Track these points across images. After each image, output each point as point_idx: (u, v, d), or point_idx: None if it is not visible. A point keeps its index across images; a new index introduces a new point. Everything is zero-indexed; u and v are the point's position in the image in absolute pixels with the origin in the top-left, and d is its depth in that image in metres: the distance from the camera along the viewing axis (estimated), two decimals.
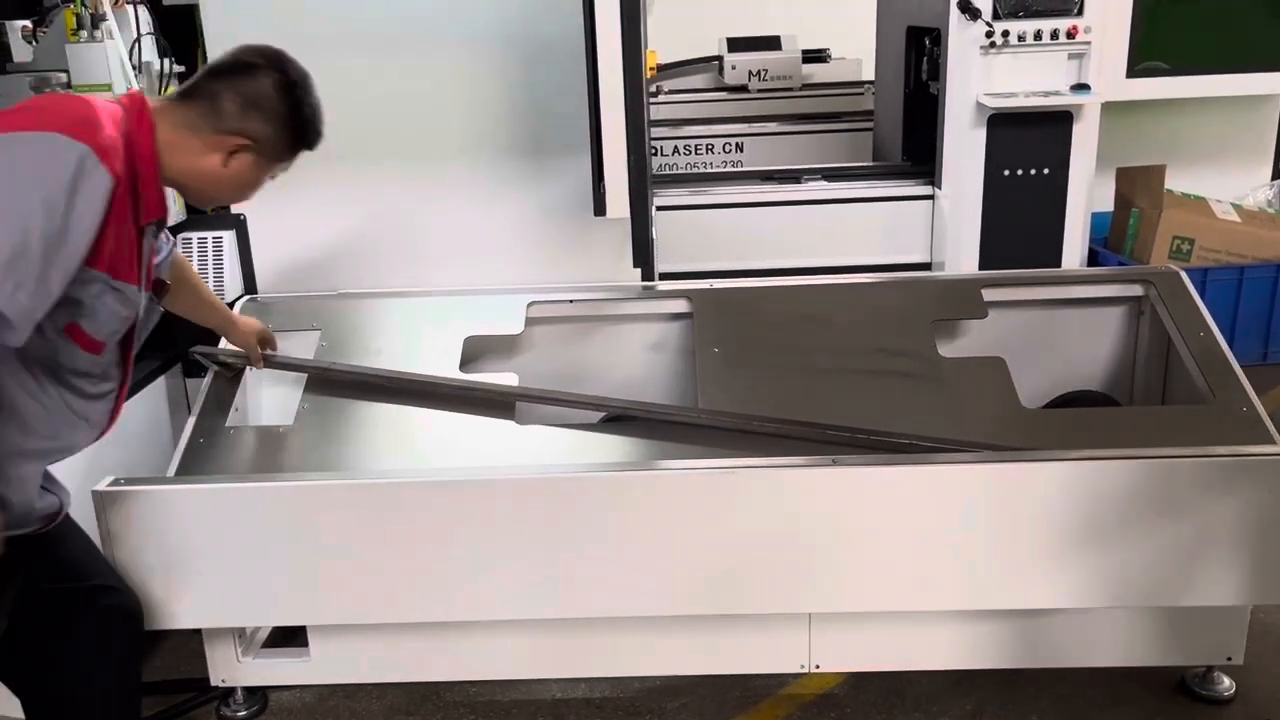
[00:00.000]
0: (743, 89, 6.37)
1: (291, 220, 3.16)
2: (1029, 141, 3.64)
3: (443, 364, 2.81)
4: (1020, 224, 3.73)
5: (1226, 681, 2.69)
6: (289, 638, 2.86)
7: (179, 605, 2.47)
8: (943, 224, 3.81)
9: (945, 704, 2.73)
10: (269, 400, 2.90)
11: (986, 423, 2.56)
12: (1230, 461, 2.34)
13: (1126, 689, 2.74)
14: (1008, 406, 2.61)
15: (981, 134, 3.60)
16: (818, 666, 2.74)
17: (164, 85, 2.76)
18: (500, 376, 2.79)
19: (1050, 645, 2.68)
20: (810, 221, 3.92)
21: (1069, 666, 2.73)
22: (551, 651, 2.75)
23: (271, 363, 2.77)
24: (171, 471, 2.58)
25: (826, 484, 2.41)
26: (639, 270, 3.06)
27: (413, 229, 3.16)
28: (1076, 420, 2.72)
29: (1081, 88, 3.60)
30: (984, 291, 2.93)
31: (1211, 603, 2.44)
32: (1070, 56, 3.61)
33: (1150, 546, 2.39)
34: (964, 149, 3.63)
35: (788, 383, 2.75)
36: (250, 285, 3.16)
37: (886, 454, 2.44)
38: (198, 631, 2.80)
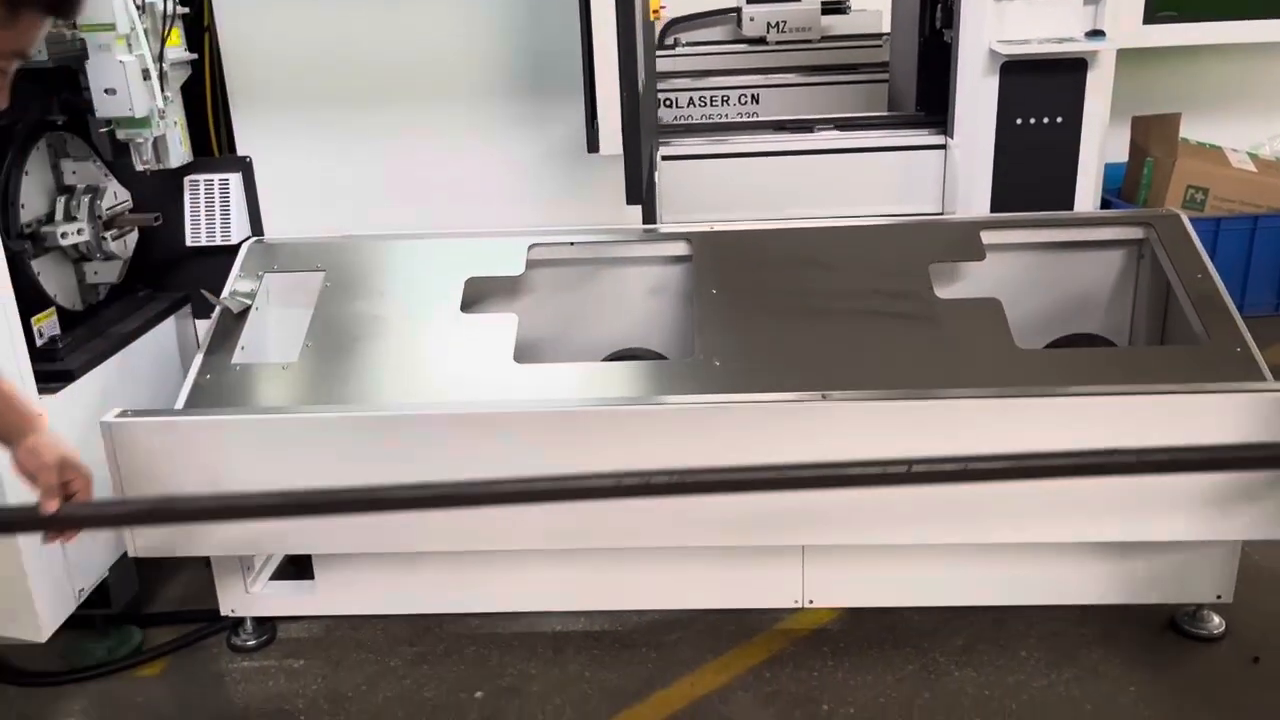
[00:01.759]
0: (761, 41, 6.32)
1: (296, 164, 3.20)
2: (1042, 90, 3.60)
3: (444, 305, 2.85)
4: (1032, 174, 3.70)
5: (1216, 620, 2.71)
6: (296, 571, 2.95)
7: (186, 534, 2.55)
8: (954, 174, 3.79)
9: (937, 640, 2.77)
10: (274, 339, 2.96)
11: (981, 362, 2.58)
12: (1222, 398, 2.35)
13: (1116, 627, 2.77)
14: (1003, 347, 2.62)
15: (994, 82, 3.57)
16: (811, 602, 2.79)
17: (167, 26, 2.79)
18: (501, 317, 2.83)
19: (1041, 583, 2.72)
20: (822, 171, 3.91)
21: (1059, 604, 2.76)
22: (551, 585, 2.82)
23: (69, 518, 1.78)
24: (179, 405, 2.65)
25: (819, 419, 2.44)
26: (640, 214, 3.09)
27: (416, 172, 3.20)
28: (1070, 359, 2.73)
29: (1097, 34, 3.55)
30: (983, 235, 2.93)
31: (1201, 538, 2.45)
32: (1085, 2, 3.55)
33: (1142, 483, 2.40)
34: (977, 98, 3.60)
35: (785, 324, 2.77)
36: (256, 228, 3.21)
37: (878, 389, 2.46)
38: (208, 565, 2.89)
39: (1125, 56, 3.67)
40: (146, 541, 2.57)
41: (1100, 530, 2.47)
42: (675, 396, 2.53)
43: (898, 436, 2.43)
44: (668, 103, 5.63)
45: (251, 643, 2.88)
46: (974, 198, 3.69)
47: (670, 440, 2.48)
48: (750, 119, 5.45)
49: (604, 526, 2.53)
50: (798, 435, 2.46)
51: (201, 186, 3.12)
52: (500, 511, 2.53)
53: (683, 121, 5.56)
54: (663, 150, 3.60)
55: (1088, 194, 3.71)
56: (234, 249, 3.07)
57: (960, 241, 2.94)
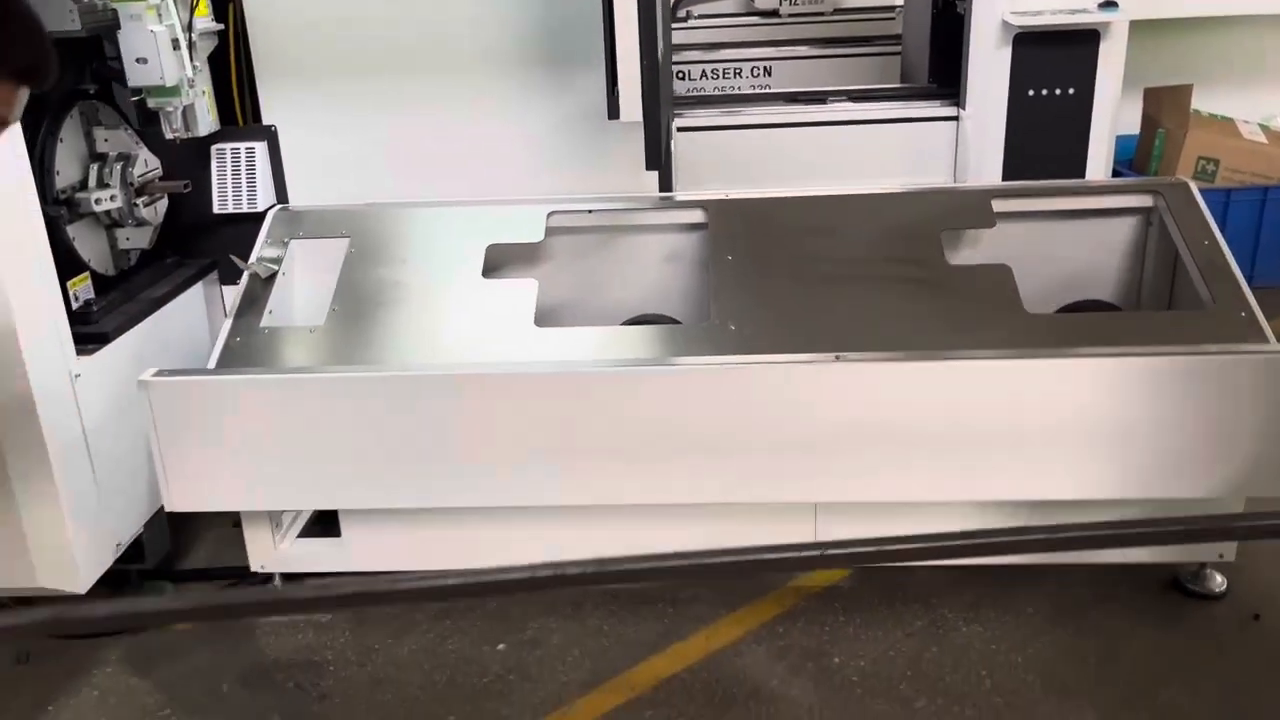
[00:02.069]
0: (773, 13, 6.33)
1: (319, 133, 3.27)
2: (1054, 61, 3.63)
3: (466, 270, 2.92)
4: (1044, 145, 3.73)
5: (1219, 579, 2.78)
6: (323, 529, 3.04)
7: (219, 489, 2.65)
8: (966, 145, 3.83)
9: (945, 597, 2.85)
10: (300, 303, 3.04)
11: (990, 326, 2.64)
12: (1226, 359, 2.41)
13: (1120, 586, 2.85)
14: (1012, 311, 2.68)
15: (1007, 53, 3.60)
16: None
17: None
18: (521, 282, 2.90)
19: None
20: (835, 143, 3.95)
21: (1064, 563, 2.83)
22: (572, 544, 2.89)
23: None
24: (211, 366, 2.73)
25: (833, 379, 2.51)
26: (657, 183, 3.15)
27: (437, 141, 3.26)
28: (1077, 323, 2.79)
29: (1109, 5, 3.58)
30: (994, 203, 2.98)
31: (1205, 495, 2.52)
32: None
33: (1146, 442, 2.47)
34: (989, 69, 3.63)
35: (800, 289, 2.83)
36: (281, 196, 3.28)
37: (890, 351, 2.52)
38: (238, 524, 2.98)
39: (1138, 28, 3.70)
40: (181, 496, 2.66)
41: (1102, 488, 2.54)
42: (692, 358, 2.60)
43: (909, 397, 2.51)
44: (680, 75, 5.66)
45: None
46: (985, 169, 3.73)
47: (687, 401, 2.56)
48: (763, 91, 5.50)
49: (623, 483, 2.61)
50: (812, 395, 2.53)
51: (228, 155, 3.19)
52: (522, 469, 2.63)
53: (695, 94, 5.60)
54: (677, 121, 3.65)
55: (1099, 165, 3.75)
56: (259, 216, 3.14)
57: (971, 209, 3.00)
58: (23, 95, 1.53)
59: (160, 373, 2.56)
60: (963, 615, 2.79)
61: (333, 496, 2.73)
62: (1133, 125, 4.60)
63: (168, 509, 2.70)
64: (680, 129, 3.66)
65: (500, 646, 2.77)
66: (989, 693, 2.52)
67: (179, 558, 3.17)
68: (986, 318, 2.67)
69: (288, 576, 2.99)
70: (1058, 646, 2.67)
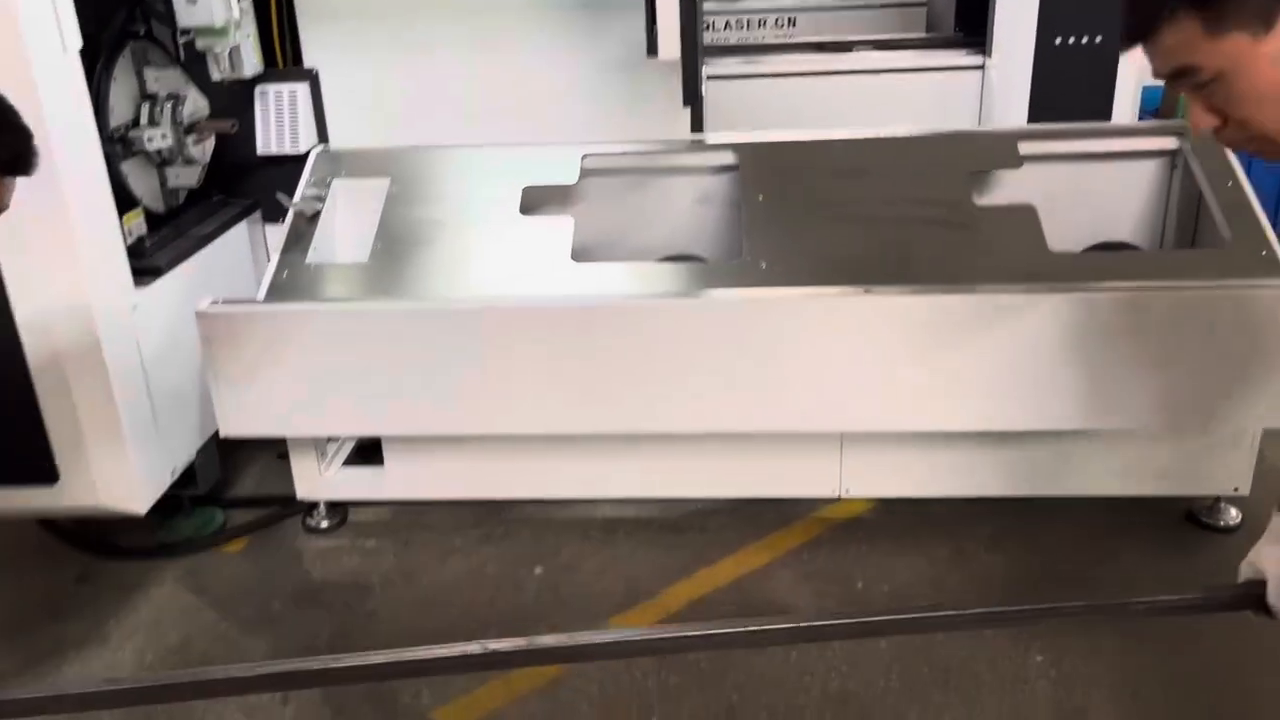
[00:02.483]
0: None
1: (359, 76, 3.34)
2: (1083, 7, 3.64)
3: (504, 210, 3.00)
4: (1070, 94, 3.75)
5: (1233, 512, 2.87)
6: (366, 460, 3.16)
7: (268, 415, 2.77)
8: (991, 94, 3.86)
9: (965, 529, 2.96)
10: (343, 240, 3.13)
11: (1015, 263, 2.71)
12: (1245, 294, 2.48)
13: (1136, 518, 2.94)
14: (1036, 250, 2.75)
15: (1034, 1, 3.62)
16: (848, 492, 2.97)
17: None
18: (558, 219, 2.98)
19: (1065, 475, 2.88)
20: (860, 92, 3.98)
21: (1082, 495, 2.92)
22: (605, 474, 3.02)
23: None
24: (260, 299, 2.84)
25: (862, 312, 2.60)
26: (689, 127, 3.22)
27: (475, 83, 3.32)
28: (1099, 261, 2.86)
29: None
30: (1021, 145, 3.04)
31: (1221, 427, 2.60)
32: None
33: (1167, 375, 2.55)
34: (1016, 15, 3.65)
35: (829, 229, 2.90)
36: (323, 137, 3.36)
37: (917, 284, 2.60)
38: (283, 455, 3.11)
39: None
40: (233, 422, 2.78)
41: (1123, 420, 2.62)
42: (724, 289, 2.68)
43: (937, 330, 2.59)
44: (705, 26, 5.67)
45: (325, 525, 3.10)
46: (1011, 118, 3.76)
47: (719, 332, 2.65)
48: (789, 41, 5.51)
49: (656, 413, 2.71)
50: (841, 327, 2.62)
51: (271, 97, 3.27)
52: (557, 398, 2.73)
53: (722, 45, 5.62)
54: (705, 69, 3.69)
55: (1125, 115, 3.77)
56: (302, 157, 3.23)
57: (997, 151, 3.05)
58: (11, 184, 1.61)
59: (215, 302, 2.66)
60: (984, 545, 2.90)
61: (376, 423, 2.84)
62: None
63: (221, 434, 2.82)
64: (709, 77, 3.71)
65: (538, 570, 2.89)
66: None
67: (228, 486, 3.31)
68: (1011, 256, 2.74)
69: (332, 504, 3.12)
70: (1076, 574, 2.77)
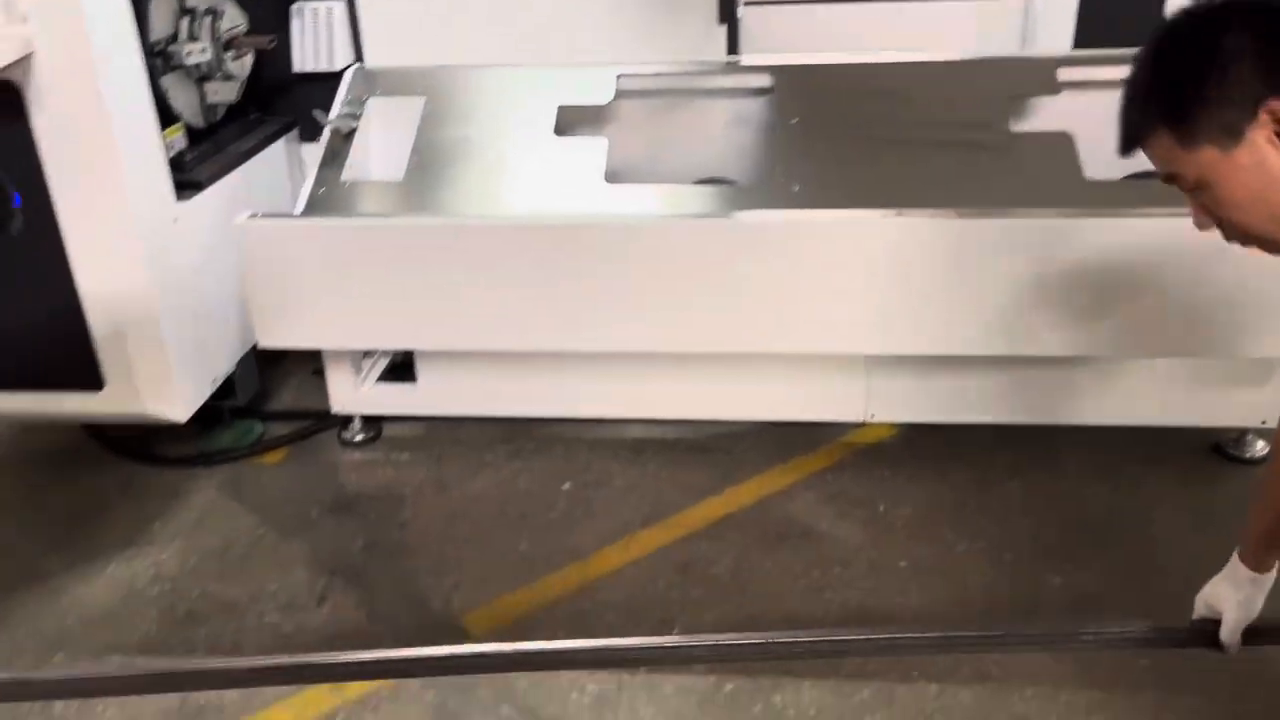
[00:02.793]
0: None
1: None
2: None
3: (538, 129, 3.01)
4: (1117, 20, 3.67)
5: (1260, 445, 2.87)
6: (400, 377, 3.22)
7: (305, 327, 2.83)
8: (1036, 19, 3.78)
9: (989, 456, 2.98)
10: (379, 158, 3.15)
11: (1049, 189, 2.69)
12: None
13: (1162, 449, 2.95)
14: (1071, 176, 2.73)
15: None
16: (873, 416, 3.00)
17: None
18: (592, 140, 2.98)
19: (1092, 404, 2.89)
20: (899, 18, 3.91)
21: (1108, 425, 2.93)
22: (634, 394, 3.06)
23: None
24: (298, 213, 2.88)
25: (894, 235, 2.61)
26: (725, 49, 3.20)
27: (510, 3, 3.30)
28: (1133, 188, 2.82)
29: None
30: (1060, 72, 2.99)
31: (1265, 352, 2.59)
32: None
33: (1197, 300, 2.54)
34: None
35: (863, 153, 2.89)
36: (358, 55, 3.37)
37: (949, 208, 2.60)
38: (319, 371, 3.18)
39: None
40: (270, 333, 2.85)
41: (1162, 346, 2.62)
42: (756, 211, 2.69)
43: (967, 253, 2.59)
44: None
45: (360, 439, 3.18)
46: (1056, 44, 3.68)
47: (750, 253, 2.67)
48: None
49: (686, 333, 2.74)
50: (872, 250, 2.63)
51: (308, 14, 3.27)
52: (589, 316, 2.77)
53: None
54: None
55: None
56: (338, 75, 3.24)
57: (1036, 77, 3.01)
58: None
59: (254, 216, 2.71)
60: (1006, 471, 2.92)
61: (409, 337, 2.89)
62: None
63: (260, 345, 2.89)
64: (745, 2, 3.66)
65: (566, 485, 2.96)
66: (1028, 539, 2.66)
67: (266, 399, 3.40)
68: (1045, 182, 2.72)
69: (366, 419, 3.20)
70: (1097, 501, 2.79)
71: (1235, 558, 1.72)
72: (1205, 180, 1.35)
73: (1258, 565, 1.69)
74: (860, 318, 2.67)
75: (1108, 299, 2.57)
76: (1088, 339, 2.63)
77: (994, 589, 2.50)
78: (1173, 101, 1.33)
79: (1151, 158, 1.38)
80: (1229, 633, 1.72)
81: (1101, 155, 2.97)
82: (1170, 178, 1.39)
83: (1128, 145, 1.40)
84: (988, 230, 2.56)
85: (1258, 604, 1.71)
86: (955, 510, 2.79)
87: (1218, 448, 2.93)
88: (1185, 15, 1.34)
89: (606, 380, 3.03)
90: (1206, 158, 1.32)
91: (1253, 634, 1.73)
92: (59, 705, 2.25)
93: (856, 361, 2.92)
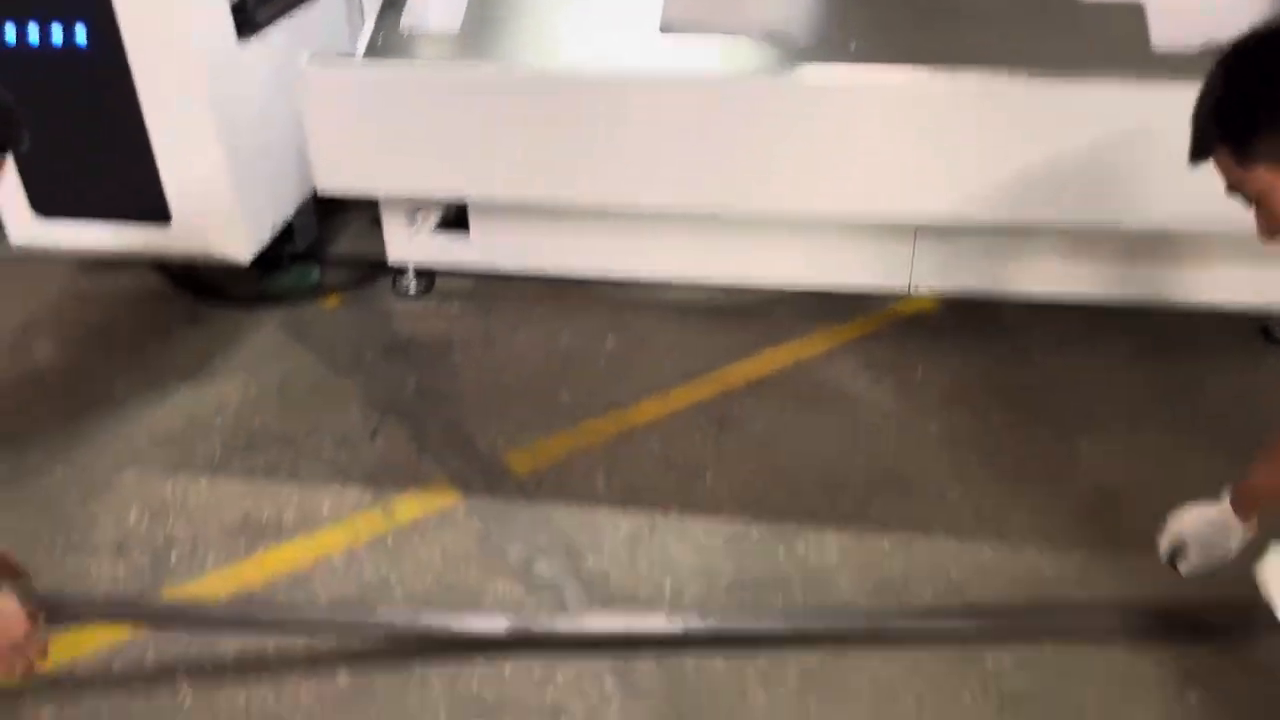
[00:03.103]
0: None
1: None
2: None
3: None
4: None
5: None
6: (452, 229, 3.30)
7: (363, 173, 2.90)
8: None
9: (1031, 331, 3.00)
10: (438, 5, 3.14)
11: (1114, 58, 2.63)
12: None
13: (1206, 329, 2.95)
14: (1139, 46, 2.66)
15: None
16: (917, 288, 3.02)
17: None
18: None
19: (1138, 281, 2.89)
20: None
21: (1154, 303, 2.93)
22: (680, 256, 3.11)
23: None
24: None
25: (950, 97, 2.58)
26: None
27: None
28: (1199, 60, 2.74)
29: None
30: None
31: None
32: None
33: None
34: None
35: (924, 17, 2.83)
36: None
37: (1008, 74, 2.56)
38: (377, 221, 3.26)
39: None
40: (329, 178, 2.92)
41: (1203, 221, 2.59)
42: (811, 68, 2.67)
43: (1026, 118, 2.56)
44: None
45: (412, 289, 3.28)
46: None
47: (804, 112, 2.66)
48: None
49: (734, 192, 2.76)
50: (928, 112, 2.60)
51: None
52: (638, 170, 2.80)
53: None
54: None
55: None
56: None
57: None
58: (9, 160, 1.70)
59: (315, 59, 2.76)
60: (1045, 347, 2.95)
61: (462, 186, 2.93)
62: None
63: (318, 190, 2.97)
64: None
65: (609, 342, 3.04)
66: (1060, 412, 2.70)
67: (324, 247, 3.50)
68: (1112, 50, 2.66)
69: (419, 271, 3.29)
70: (1136, 378, 2.81)
71: (1226, 500, 1.79)
72: (1261, 195, 1.41)
73: (1246, 517, 1.77)
74: (912, 182, 2.67)
75: (1165, 172, 2.52)
76: (1143, 213, 2.61)
77: (1022, 456, 2.56)
78: (1235, 121, 1.38)
79: (1217, 168, 1.44)
80: (1189, 569, 1.84)
81: (1172, 27, 2.91)
82: (1232, 188, 1.44)
83: (1195, 155, 1.45)
84: (1048, 94, 2.52)
85: (1230, 548, 1.80)
86: (991, 381, 2.83)
87: (1265, 330, 2.92)
88: (1259, 35, 1.38)
89: (653, 242, 3.08)
90: (1262, 176, 1.38)
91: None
92: (132, 514, 2.44)
93: (904, 231, 2.93)
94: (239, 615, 2.15)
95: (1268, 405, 2.68)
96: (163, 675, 2.04)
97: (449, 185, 2.94)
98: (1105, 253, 2.86)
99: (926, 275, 2.99)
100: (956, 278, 3.00)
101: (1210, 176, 2.55)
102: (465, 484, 2.52)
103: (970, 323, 3.05)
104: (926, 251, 2.95)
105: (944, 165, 2.64)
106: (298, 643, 2.09)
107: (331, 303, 3.27)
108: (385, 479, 2.54)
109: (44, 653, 1.83)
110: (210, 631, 2.12)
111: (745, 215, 2.89)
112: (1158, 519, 1.89)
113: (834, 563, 2.28)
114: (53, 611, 1.91)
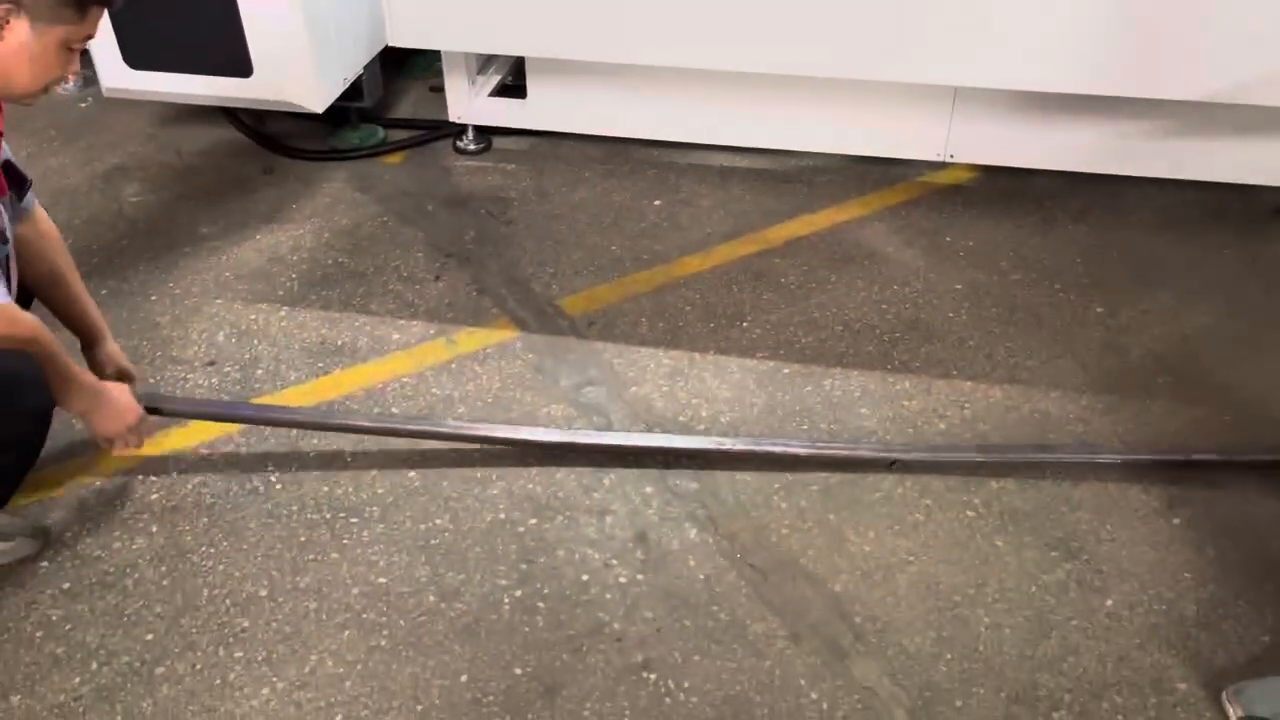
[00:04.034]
0: None
1: None
2: None
3: None
4: None
5: None
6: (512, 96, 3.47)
7: (432, 28, 3.08)
8: None
9: (1060, 201, 3.15)
10: None
11: None
12: None
13: (1227, 207, 3.08)
14: None
15: None
16: (953, 156, 3.16)
17: None
18: None
19: (1166, 155, 3.01)
20: None
21: (1175, 178, 3.06)
22: (727, 120, 3.26)
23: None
24: None
25: None
26: None
27: None
28: None
29: None
30: None
31: None
32: None
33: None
34: None
35: None
36: None
37: None
38: (435, 88, 3.42)
39: None
40: (401, 31, 3.09)
41: (1238, 91, 2.70)
42: None
43: None
44: None
45: (472, 148, 3.47)
46: None
47: None
48: None
49: (778, 48, 2.87)
50: None
51: None
52: (684, 30, 2.91)
53: None
54: None
55: None
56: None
57: None
58: (104, 14, 1.80)
59: None
60: (1072, 216, 3.10)
61: (527, 42, 3.07)
62: None
63: (389, 42, 3.14)
64: None
65: (657, 202, 3.23)
66: (1079, 274, 2.87)
67: (388, 110, 3.69)
68: None
69: (479, 130, 3.47)
70: (1154, 247, 2.96)
71: None
72: None
73: None
74: (952, 43, 2.77)
75: (1199, 42, 2.62)
76: (1184, 82, 2.70)
77: (1039, 311, 2.73)
78: None
79: None
80: None
81: None
82: None
83: None
84: None
85: None
86: (1017, 245, 2.99)
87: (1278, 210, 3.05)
88: None
89: (702, 106, 3.23)
90: None
91: None
92: (221, 335, 2.70)
93: (942, 99, 3.06)
94: (321, 417, 2.41)
95: (1271, 282, 2.83)
96: (255, 466, 2.32)
97: (513, 41, 3.09)
98: (1133, 127, 2.97)
99: (962, 145, 3.12)
100: (990, 148, 3.13)
101: (1249, 46, 2.65)
102: (521, 322, 2.75)
103: (1003, 192, 3.20)
104: (962, 122, 3.08)
105: (981, 23, 2.71)
106: (372, 446, 2.35)
107: (395, 159, 3.47)
108: (448, 315, 2.77)
109: (153, 434, 2.15)
110: (296, 427, 2.38)
111: (787, 81, 3.02)
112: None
113: (856, 397, 2.49)
114: (159, 405, 2.20)
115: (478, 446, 2.35)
